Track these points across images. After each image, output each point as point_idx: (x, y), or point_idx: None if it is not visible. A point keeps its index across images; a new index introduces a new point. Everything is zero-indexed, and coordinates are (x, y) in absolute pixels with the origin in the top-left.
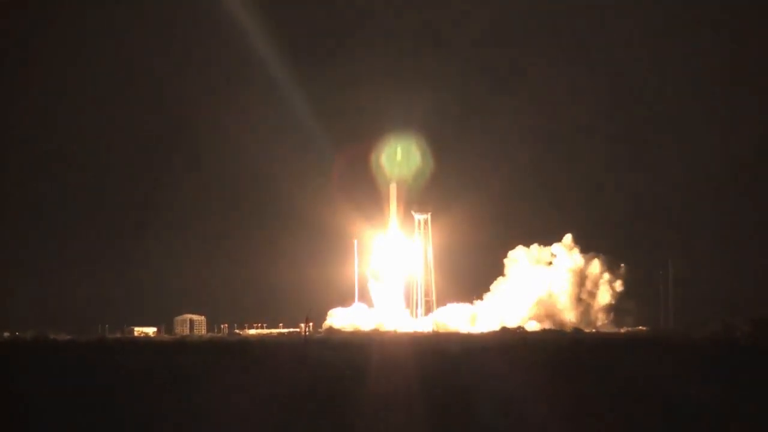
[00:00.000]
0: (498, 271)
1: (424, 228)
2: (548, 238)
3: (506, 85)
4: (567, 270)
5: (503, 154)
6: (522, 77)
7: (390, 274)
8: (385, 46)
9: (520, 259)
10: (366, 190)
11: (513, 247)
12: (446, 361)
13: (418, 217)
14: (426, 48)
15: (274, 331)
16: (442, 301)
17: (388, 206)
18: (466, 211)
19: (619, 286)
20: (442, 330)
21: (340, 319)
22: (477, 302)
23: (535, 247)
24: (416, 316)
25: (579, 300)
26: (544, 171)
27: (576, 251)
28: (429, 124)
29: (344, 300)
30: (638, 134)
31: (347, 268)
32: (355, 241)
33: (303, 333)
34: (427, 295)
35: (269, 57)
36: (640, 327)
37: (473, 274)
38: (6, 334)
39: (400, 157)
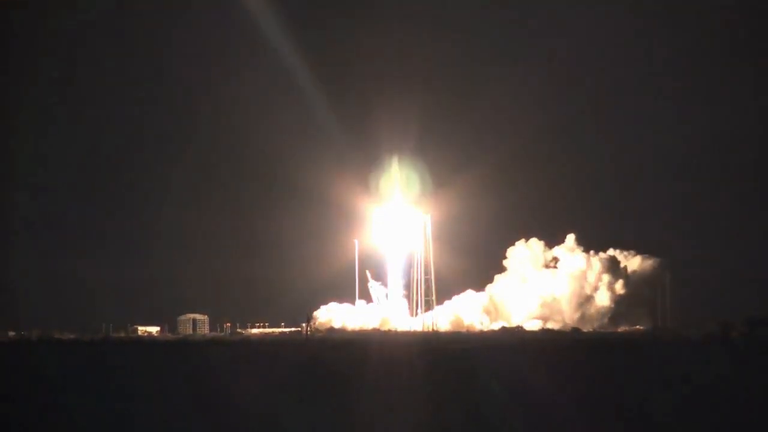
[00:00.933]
0: (497, 263)
1: (424, 229)
2: (551, 232)
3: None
4: (569, 275)
5: (505, 147)
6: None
7: (390, 248)
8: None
9: (522, 257)
10: (368, 162)
11: (512, 239)
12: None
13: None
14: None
15: (276, 330)
16: (439, 299)
17: (390, 179)
18: (466, 201)
19: (620, 288)
20: (457, 328)
21: (341, 317)
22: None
23: (535, 242)
24: (416, 314)
25: (581, 305)
26: (547, 166)
27: (578, 252)
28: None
29: (342, 287)
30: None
31: (347, 249)
32: (356, 241)
33: (305, 332)
34: (427, 294)
35: (272, 33)
36: (637, 327)
37: (473, 268)
38: (11, 333)
39: (399, 180)
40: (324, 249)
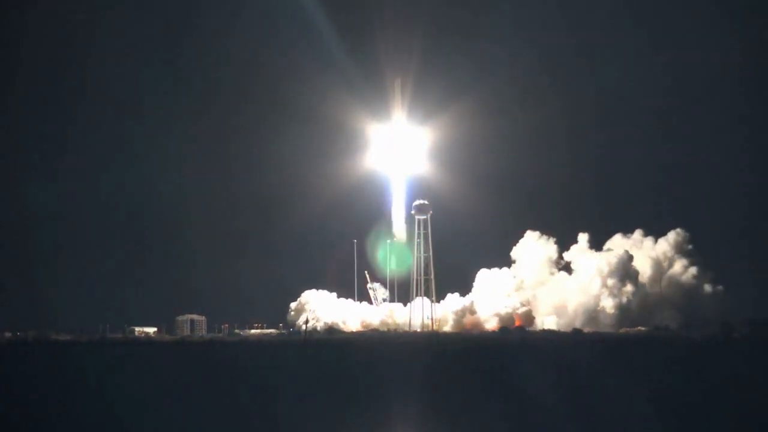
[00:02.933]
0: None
1: (424, 228)
2: (557, 229)
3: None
4: (580, 286)
5: (507, 144)
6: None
7: (392, 170)
8: None
9: (528, 254)
10: (371, 85)
11: (513, 235)
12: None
13: (419, 217)
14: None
15: (274, 330)
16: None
17: (393, 101)
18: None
19: (629, 293)
20: (471, 327)
21: (334, 310)
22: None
23: (545, 241)
24: (418, 293)
25: (591, 310)
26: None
27: (591, 253)
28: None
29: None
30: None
31: (352, 169)
32: (354, 242)
33: (303, 333)
34: (427, 294)
35: None
36: (639, 327)
37: (473, 266)
38: (8, 334)
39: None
40: (331, 169)
